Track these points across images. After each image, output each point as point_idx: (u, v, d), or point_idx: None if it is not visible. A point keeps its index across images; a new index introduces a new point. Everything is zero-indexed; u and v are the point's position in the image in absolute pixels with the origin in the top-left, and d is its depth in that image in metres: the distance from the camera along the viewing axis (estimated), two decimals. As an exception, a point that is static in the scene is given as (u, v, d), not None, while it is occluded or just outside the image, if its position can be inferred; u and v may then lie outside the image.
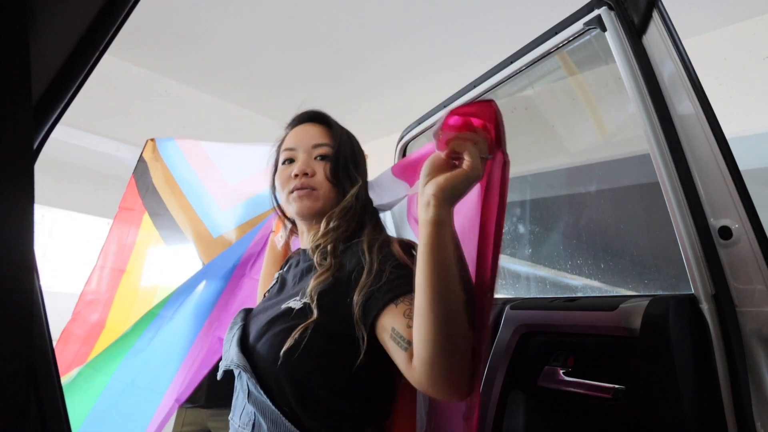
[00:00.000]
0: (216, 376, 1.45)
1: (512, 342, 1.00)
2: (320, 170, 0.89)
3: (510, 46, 1.17)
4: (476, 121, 0.64)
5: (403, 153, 1.62)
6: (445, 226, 0.60)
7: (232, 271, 1.31)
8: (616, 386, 0.80)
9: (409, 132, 1.57)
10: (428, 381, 0.62)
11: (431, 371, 0.61)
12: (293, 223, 1.04)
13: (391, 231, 1.14)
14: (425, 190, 0.62)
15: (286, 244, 1.13)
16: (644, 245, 1.46)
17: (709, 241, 0.76)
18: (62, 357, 1.41)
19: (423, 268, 0.61)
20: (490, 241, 0.66)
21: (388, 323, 0.70)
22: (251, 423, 0.77)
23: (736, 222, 0.74)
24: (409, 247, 0.83)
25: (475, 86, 1.26)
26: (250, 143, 1.57)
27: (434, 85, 3.66)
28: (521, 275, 1.92)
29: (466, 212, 0.73)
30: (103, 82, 3.85)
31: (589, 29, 0.94)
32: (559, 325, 0.95)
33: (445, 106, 1.39)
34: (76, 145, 4.51)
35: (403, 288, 0.72)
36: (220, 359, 0.86)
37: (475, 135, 0.62)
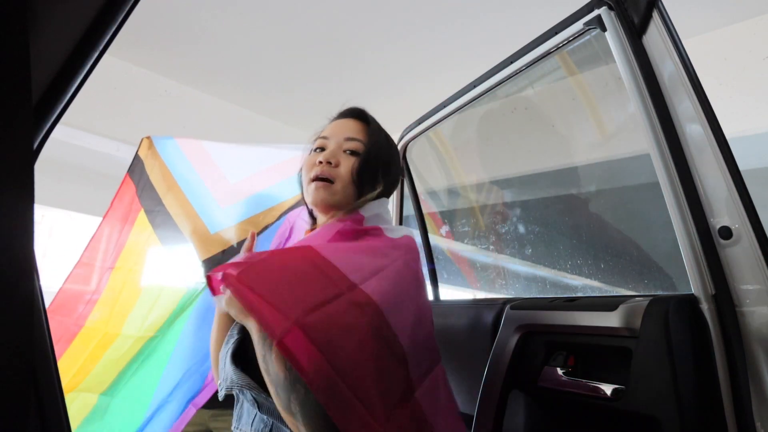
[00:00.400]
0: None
1: (512, 342, 1.00)
2: (345, 163, 0.88)
3: (510, 46, 1.17)
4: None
5: (404, 153, 1.63)
6: None
7: None
8: (616, 386, 0.80)
9: (409, 132, 1.57)
10: None
11: None
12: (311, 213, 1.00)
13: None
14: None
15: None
16: (644, 245, 1.46)
17: (709, 241, 0.76)
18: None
19: None
20: None
21: None
22: (268, 430, 0.74)
23: (736, 222, 0.74)
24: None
25: (475, 86, 1.26)
26: (252, 144, 1.56)
27: (434, 85, 3.67)
28: (521, 275, 1.92)
29: None
30: (103, 82, 3.85)
31: (589, 29, 0.94)
32: (559, 325, 0.95)
33: (445, 106, 1.39)
34: (76, 145, 4.51)
35: None
36: None
37: None
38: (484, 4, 2.77)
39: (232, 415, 1.39)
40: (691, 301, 0.77)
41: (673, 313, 0.75)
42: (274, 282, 0.66)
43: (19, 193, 0.30)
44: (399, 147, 1.61)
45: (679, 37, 0.82)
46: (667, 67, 0.82)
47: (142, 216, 1.47)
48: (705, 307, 0.75)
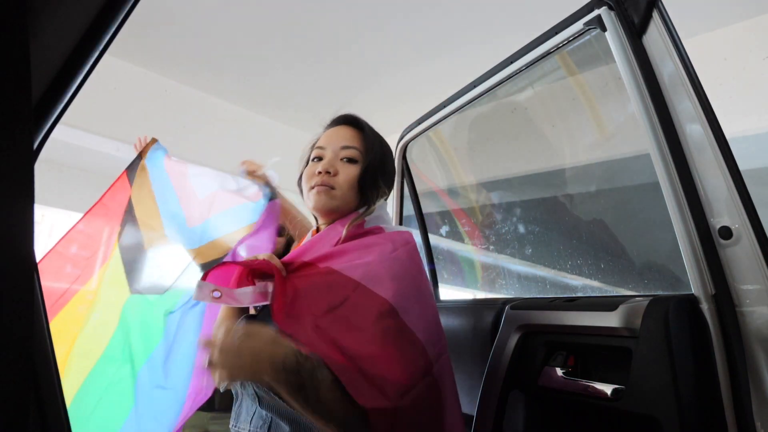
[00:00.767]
0: None
1: (512, 342, 1.00)
2: (344, 171, 0.91)
3: (512, 42, 1.17)
4: None
5: (404, 153, 1.63)
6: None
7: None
8: (616, 386, 0.80)
9: (408, 132, 1.57)
10: None
11: None
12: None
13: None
14: None
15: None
16: (644, 245, 1.46)
17: (709, 241, 0.76)
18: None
19: None
20: None
21: None
22: (266, 426, 0.76)
23: (736, 222, 0.74)
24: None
25: (475, 86, 1.26)
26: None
27: (432, 79, 3.67)
28: (521, 275, 1.92)
29: None
30: (103, 82, 3.85)
31: (589, 29, 0.94)
32: (559, 325, 0.95)
33: (445, 106, 1.39)
34: (76, 145, 4.51)
35: None
36: None
37: None
38: (484, 4, 2.77)
39: (230, 417, 1.38)
40: (691, 301, 0.77)
41: (673, 313, 0.75)
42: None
43: (19, 193, 0.30)
44: (399, 147, 1.61)
45: (679, 37, 0.82)
46: (667, 67, 0.82)
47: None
48: (705, 307, 0.75)
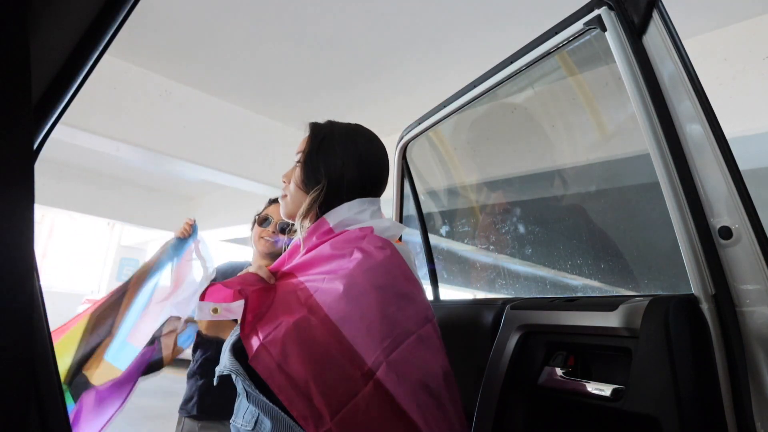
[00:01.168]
0: (205, 387, 1.51)
1: (512, 342, 1.00)
2: (293, 176, 0.95)
3: (511, 42, 1.17)
4: None
5: (403, 153, 1.62)
6: None
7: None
8: (616, 386, 0.80)
9: (409, 132, 1.57)
10: None
11: None
12: None
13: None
14: None
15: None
16: (644, 245, 1.46)
17: (709, 241, 0.76)
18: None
19: None
20: None
21: None
22: (254, 421, 0.79)
23: (736, 222, 0.74)
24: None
25: (475, 86, 1.26)
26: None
27: (437, 88, 3.67)
28: (521, 275, 1.92)
29: None
30: (103, 82, 3.85)
31: (589, 29, 0.94)
32: (559, 325, 0.95)
33: (445, 106, 1.39)
34: (76, 145, 4.51)
35: None
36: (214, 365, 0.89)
37: None
38: (484, 5, 2.77)
39: (220, 426, 1.46)
40: (691, 301, 0.77)
41: (673, 313, 0.75)
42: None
43: (19, 193, 0.30)
44: (399, 147, 1.61)
45: (679, 37, 0.82)
46: (667, 67, 0.82)
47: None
48: (705, 307, 0.75)
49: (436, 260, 1.65)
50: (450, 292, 1.87)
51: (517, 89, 1.35)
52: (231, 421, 0.86)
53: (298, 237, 0.92)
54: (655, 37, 0.83)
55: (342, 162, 0.91)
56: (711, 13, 2.75)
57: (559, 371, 0.91)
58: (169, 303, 1.57)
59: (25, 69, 0.31)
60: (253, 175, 4.91)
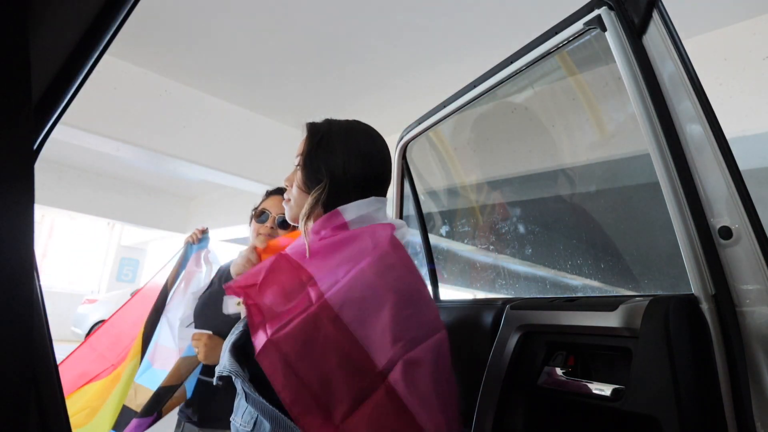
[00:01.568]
0: (206, 392, 1.46)
1: (512, 342, 1.00)
2: (294, 179, 0.94)
3: (511, 42, 1.17)
4: None
5: (403, 153, 1.62)
6: None
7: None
8: (616, 386, 0.80)
9: (408, 132, 1.57)
10: None
11: None
12: None
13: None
14: None
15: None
16: (644, 245, 1.46)
17: (709, 241, 0.76)
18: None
19: None
20: None
21: None
22: (252, 421, 0.79)
23: (736, 222, 0.74)
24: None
25: (475, 86, 1.26)
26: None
27: (433, 81, 3.67)
28: (521, 275, 1.92)
29: None
30: (103, 82, 3.85)
31: (589, 29, 0.94)
32: (559, 325, 0.95)
33: (445, 106, 1.39)
34: (76, 145, 4.51)
35: None
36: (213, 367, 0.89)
37: None
38: (482, 5, 2.77)
39: None
40: (691, 301, 0.77)
41: (673, 313, 0.75)
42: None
43: (19, 193, 0.30)
44: (399, 147, 1.61)
45: (679, 37, 0.82)
46: (667, 67, 0.82)
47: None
48: (705, 307, 0.75)
49: (435, 260, 1.65)
50: (450, 293, 1.87)
51: (517, 89, 1.36)
52: (231, 418, 0.86)
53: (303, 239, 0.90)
54: (655, 37, 0.83)
55: (343, 159, 0.88)
56: (711, 13, 2.76)
57: (559, 371, 0.91)
58: (165, 314, 1.56)
59: (25, 69, 0.31)
60: (253, 175, 4.91)
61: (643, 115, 0.83)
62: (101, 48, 0.47)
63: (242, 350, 0.82)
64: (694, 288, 0.77)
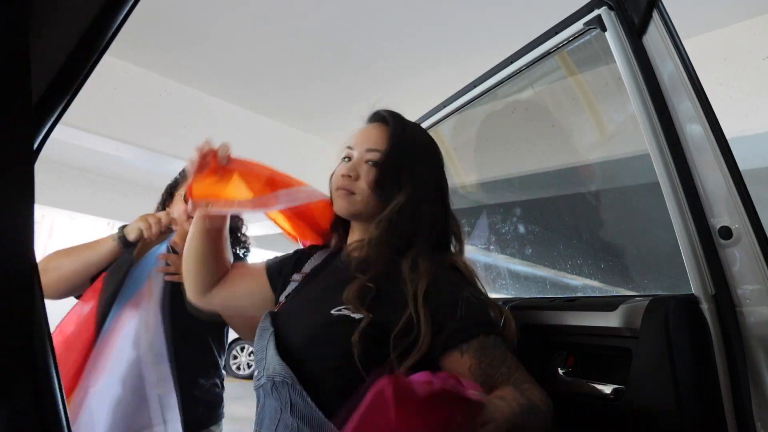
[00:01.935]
0: (186, 404, 1.35)
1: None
2: (365, 175, 0.88)
3: (511, 42, 1.17)
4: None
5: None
6: None
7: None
8: (616, 386, 0.80)
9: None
10: None
11: None
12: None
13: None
14: None
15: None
16: (644, 245, 1.46)
17: (709, 241, 0.76)
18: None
19: None
20: None
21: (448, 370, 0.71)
22: None
23: (736, 222, 0.74)
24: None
25: (475, 86, 1.26)
26: None
27: (432, 80, 3.66)
28: (521, 275, 1.92)
29: None
30: (103, 82, 3.85)
31: (589, 29, 0.94)
32: (559, 325, 0.95)
33: (445, 106, 1.39)
34: (76, 145, 4.51)
35: (469, 331, 0.74)
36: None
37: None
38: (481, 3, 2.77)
39: None
40: (691, 301, 0.76)
41: (673, 313, 0.75)
42: None
43: (19, 193, 0.30)
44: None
45: (679, 37, 0.82)
46: (667, 67, 0.82)
47: None
48: (705, 307, 0.75)
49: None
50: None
51: (517, 89, 1.35)
52: (255, 430, 0.79)
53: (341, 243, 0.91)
54: (655, 37, 0.83)
55: (428, 176, 0.89)
56: (711, 13, 2.76)
57: (559, 371, 0.91)
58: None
59: (25, 69, 0.31)
60: (253, 175, 4.90)
61: (643, 115, 0.83)
62: (101, 48, 0.47)
63: (287, 352, 0.75)
64: (694, 288, 0.77)
